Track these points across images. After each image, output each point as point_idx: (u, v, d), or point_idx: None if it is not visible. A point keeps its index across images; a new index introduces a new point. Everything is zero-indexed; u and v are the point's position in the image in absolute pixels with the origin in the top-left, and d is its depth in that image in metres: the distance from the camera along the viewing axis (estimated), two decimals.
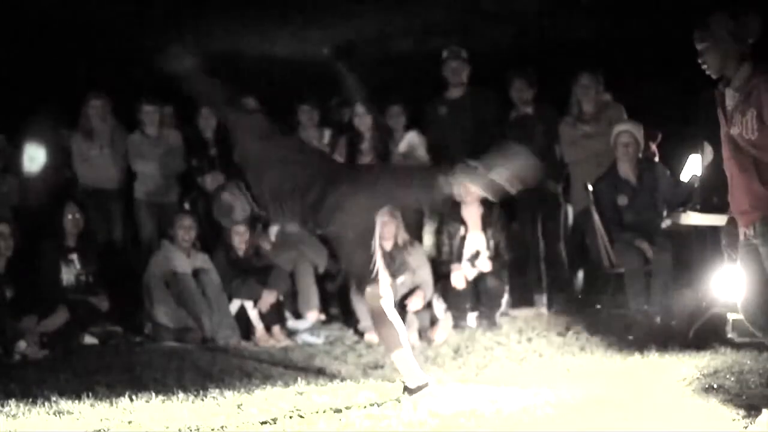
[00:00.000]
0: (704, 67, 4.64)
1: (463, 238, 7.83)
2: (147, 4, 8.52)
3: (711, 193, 6.79)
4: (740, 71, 4.59)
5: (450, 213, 7.86)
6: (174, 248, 7.74)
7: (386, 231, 7.38)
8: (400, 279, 7.45)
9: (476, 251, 7.79)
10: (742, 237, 4.71)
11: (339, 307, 8.23)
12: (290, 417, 4.98)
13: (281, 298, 7.81)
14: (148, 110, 8.42)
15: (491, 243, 7.81)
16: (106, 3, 8.46)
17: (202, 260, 7.80)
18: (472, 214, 7.81)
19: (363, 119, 8.26)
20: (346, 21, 9.12)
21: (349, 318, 7.88)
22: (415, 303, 7.42)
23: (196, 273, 7.68)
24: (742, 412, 4.80)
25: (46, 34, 8.81)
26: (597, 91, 8.14)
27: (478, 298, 7.74)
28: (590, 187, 7.54)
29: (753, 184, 4.61)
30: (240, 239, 7.86)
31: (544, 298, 8.24)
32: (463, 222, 7.82)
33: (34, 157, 8.39)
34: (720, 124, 4.72)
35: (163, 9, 8.51)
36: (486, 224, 7.81)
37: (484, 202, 7.83)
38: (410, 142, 8.42)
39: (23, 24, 8.66)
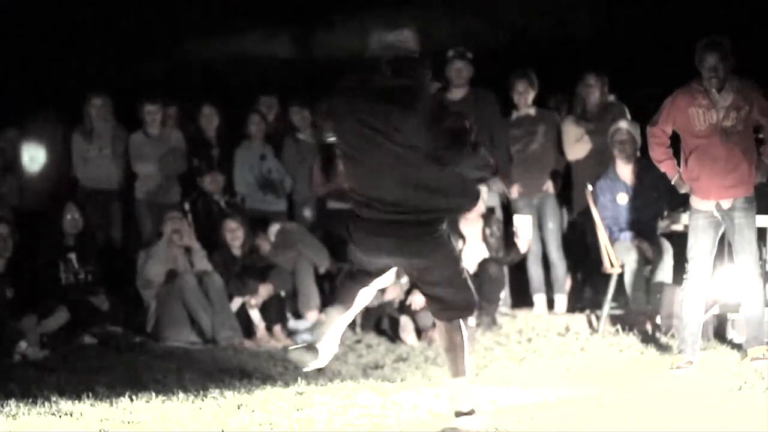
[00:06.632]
0: (713, 78, 5.86)
1: (460, 251, 7.79)
2: (147, 5, 8.52)
3: None
4: (730, 81, 5.92)
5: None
6: (170, 246, 7.75)
7: None
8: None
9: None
10: (706, 209, 5.92)
11: None
12: (290, 417, 4.98)
13: (282, 293, 7.79)
14: (150, 109, 8.38)
15: (491, 251, 7.79)
16: (108, 3, 8.47)
17: (199, 255, 7.81)
18: (472, 228, 7.77)
19: None
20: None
21: None
22: (417, 301, 7.39)
23: (200, 276, 7.68)
24: (743, 412, 4.81)
25: (46, 34, 8.81)
26: (602, 92, 8.14)
27: (479, 290, 7.66)
28: (590, 188, 7.54)
29: (742, 164, 5.90)
30: (232, 236, 7.85)
31: (543, 299, 8.23)
32: (461, 236, 7.76)
33: (35, 157, 8.38)
34: (695, 119, 5.91)
35: (164, 9, 8.51)
36: (486, 237, 7.78)
37: (484, 216, 7.80)
38: None
39: (23, 24, 8.66)
